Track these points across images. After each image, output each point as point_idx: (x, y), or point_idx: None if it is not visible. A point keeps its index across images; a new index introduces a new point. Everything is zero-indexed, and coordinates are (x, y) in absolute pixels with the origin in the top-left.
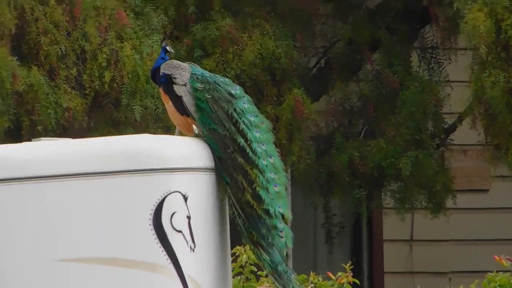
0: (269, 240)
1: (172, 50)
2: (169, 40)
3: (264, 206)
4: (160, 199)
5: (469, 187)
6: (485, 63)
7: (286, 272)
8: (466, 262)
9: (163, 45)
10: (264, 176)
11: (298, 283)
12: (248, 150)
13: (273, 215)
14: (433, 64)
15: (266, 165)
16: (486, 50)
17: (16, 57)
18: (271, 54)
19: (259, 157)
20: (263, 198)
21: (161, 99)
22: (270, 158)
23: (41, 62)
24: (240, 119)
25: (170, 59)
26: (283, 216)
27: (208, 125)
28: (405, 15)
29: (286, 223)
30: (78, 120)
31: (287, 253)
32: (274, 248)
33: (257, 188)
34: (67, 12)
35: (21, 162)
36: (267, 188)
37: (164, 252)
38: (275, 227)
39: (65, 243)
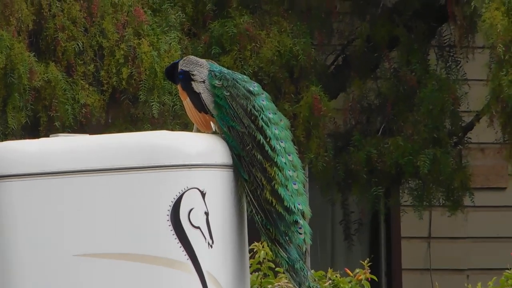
0: (287, 236)
1: None
2: (187, 37)
3: (284, 203)
4: (178, 195)
5: (486, 185)
6: (503, 62)
7: (303, 269)
8: (483, 259)
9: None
10: (283, 174)
11: (314, 281)
12: (267, 147)
13: (293, 211)
14: (450, 63)
15: (285, 163)
16: (504, 48)
17: (34, 53)
18: (289, 52)
19: (278, 154)
20: (282, 195)
21: (179, 96)
22: (289, 155)
23: (59, 58)
24: (259, 116)
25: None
26: (302, 213)
27: (226, 122)
28: (423, 13)
29: (305, 220)
30: (96, 116)
31: (306, 249)
32: (292, 245)
33: (276, 186)
34: (84, 8)
35: (39, 158)
36: (286, 186)
37: (182, 248)
38: (296, 223)
39: (84, 238)
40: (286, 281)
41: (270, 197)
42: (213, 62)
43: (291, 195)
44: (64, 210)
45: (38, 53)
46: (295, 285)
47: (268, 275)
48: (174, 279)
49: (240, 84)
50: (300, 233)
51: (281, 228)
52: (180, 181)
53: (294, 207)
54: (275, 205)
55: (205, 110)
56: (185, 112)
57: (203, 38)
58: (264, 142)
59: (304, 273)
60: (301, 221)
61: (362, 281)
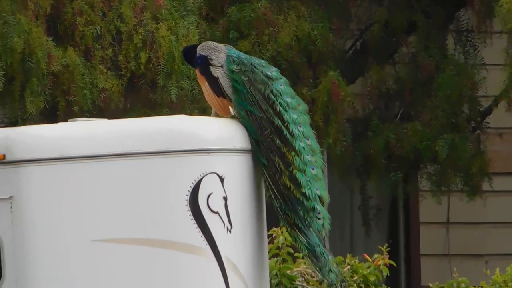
0: (307, 222)
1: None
2: (205, 21)
3: (301, 188)
4: (197, 180)
5: (505, 170)
6: None
7: (323, 254)
8: (502, 244)
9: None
10: (301, 158)
11: (335, 265)
12: (285, 131)
13: (311, 197)
14: (468, 47)
15: (303, 147)
16: None
17: (52, 37)
18: (306, 36)
19: (296, 139)
20: (300, 180)
21: (197, 81)
22: (307, 140)
23: (77, 42)
24: (277, 100)
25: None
26: (320, 198)
27: (244, 107)
28: None
29: (323, 205)
30: (114, 101)
31: (325, 234)
32: (312, 230)
33: (294, 171)
34: None
35: (58, 143)
36: (304, 171)
37: (201, 233)
38: (313, 209)
39: (102, 223)
40: (305, 266)
41: (288, 182)
42: (231, 47)
43: (309, 181)
44: (82, 195)
45: (56, 37)
46: (316, 269)
47: (287, 260)
48: (192, 264)
49: (258, 69)
50: (319, 218)
51: (300, 213)
52: (198, 166)
53: (312, 192)
54: (293, 190)
55: (223, 94)
56: (204, 96)
57: (221, 23)
58: (282, 126)
59: (325, 258)
60: (319, 207)
61: (381, 267)
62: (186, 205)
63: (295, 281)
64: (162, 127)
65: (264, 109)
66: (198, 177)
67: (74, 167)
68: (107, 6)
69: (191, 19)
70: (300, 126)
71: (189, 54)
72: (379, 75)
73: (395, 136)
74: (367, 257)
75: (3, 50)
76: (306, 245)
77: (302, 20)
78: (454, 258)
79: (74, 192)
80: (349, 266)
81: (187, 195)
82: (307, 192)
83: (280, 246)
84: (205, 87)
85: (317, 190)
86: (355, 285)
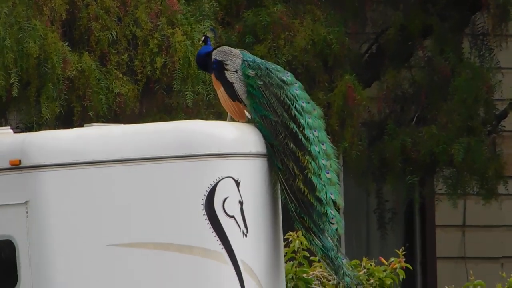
0: (320, 226)
1: (213, 35)
2: (220, 26)
3: (316, 193)
4: (213, 184)
5: None
6: None
7: (338, 258)
8: None
9: (205, 34)
10: (316, 163)
11: (350, 268)
12: (300, 135)
13: (325, 202)
14: (484, 51)
15: (318, 152)
16: None
17: (67, 42)
18: (322, 40)
19: (311, 143)
20: (315, 184)
21: (212, 85)
22: (322, 144)
23: (92, 47)
24: (293, 105)
25: (213, 44)
26: (334, 202)
27: (259, 112)
28: (456, 2)
29: (338, 210)
30: (130, 106)
31: (338, 239)
32: (326, 234)
33: (309, 175)
34: None
35: (74, 148)
36: (319, 175)
37: (217, 238)
38: (326, 214)
39: (119, 228)
40: (321, 270)
41: (303, 186)
42: (246, 52)
43: (324, 185)
44: (98, 200)
45: (71, 42)
46: (332, 272)
47: (303, 264)
48: (208, 268)
49: (273, 74)
50: (332, 223)
51: (314, 217)
52: (214, 170)
53: (326, 197)
54: (307, 194)
55: (238, 99)
56: (219, 101)
57: (236, 27)
58: (298, 131)
59: (339, 261)
60: (332, 212)
61: (397, 270)
62: (202, 209)
63: (311, 285)
64: (177, 132)
65: (279, 114)
66: (214, 182)
67: (89, 172)
68: (123, 11)
69: (207, 23)
70: (315, 131)
71: (204, 60)
72: (395, 78)
73: (411, 140)
74: (383, 260)
75: (18, 56)
76: (322, 248)
77: (318, 24)
78: (470, 261)
79: (90, 197)
80: (365, 270)
81: (203, 199)
82: (321, 196)
83: (296, 250)
84: (221, 91)
85: (331, 194)
86: None
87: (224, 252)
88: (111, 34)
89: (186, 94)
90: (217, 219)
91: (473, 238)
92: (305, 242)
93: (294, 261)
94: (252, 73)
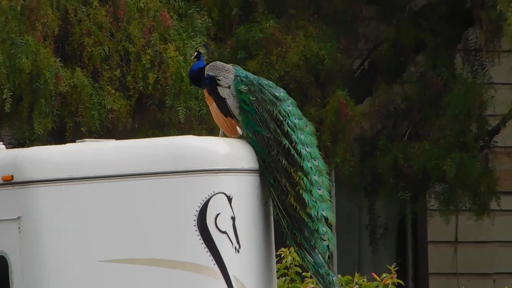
0: (312, 242)
1: (205, 51)
2: (213, 42)
3: (307, 209)
4: (205, 200)
5: None
6: None
7: (328, 274)
8: (510, 263)
9: (198, 49)
10: (308, 179)
11: (341, 285)
12: (293, 151)
13: (316, 218)
14: (476, 66)
15: (311, 167)
16: None
17: (60, 58)
18: (314, 56)
19: (303, 159)
20: (306, 201)
21: (205, 101)
22: (315, 160)
23: (85, 63)
24: (285, 121)
25: (206, 59)
26: (326, 219)
27: (252, 128)
28: (448, 18)
29: (330, 227)
30: (122, 122)
31: (330, 255)
32: (317, 251)
33: (301, 191)
34: (110, 13)
35: (65, 164)
36: (311, 191)
37: (209, 253)
38: (317, 231)
39: (111, 244)
40: (313, 286)
41: (294, 203)
42: (239, 67)
43: (315, 201)
44: (90, 216)
45: (64, 58)
46: None
47: (295, 280)
48: (201, 284)
49: (266, 90)
50: (324, 240)
51: (305, 234)
52: (206, 186)
53: (318, 213)
54: (298, 210)
55: (231, 115)
56: (212, 117)
57: (229, 43)
58: (290, 147)
59: (330, 278)
60: (324, 229)
61: (389, 286)
62: (194, 225)
63: None
64: (170, 147)
65: (271, 129)
66: (206, 197)
67: (82, 188)
68: (115, 26)
69: (199, 39)
70: (308, 147)
71: (197, 75)
72: (387, 94)
73: (403, 156)
74: (376, 276)
75: (11, 71)
76: (313, 264)
77: (310, 39)
78: (462, 277)
79: (82, 213)
80: (357, 285)
81: (195, 215)
82: (312, 213)
83: (288, 265)
84: (213, 107)
85: (323, 211)
86: None
87: (216, 267)
88: (104, 50)
89: (179, 109)
90: (209, 234)
91: (465, 254)
92: (297, 258)
93: (287, 277)
94: (245, 88)
